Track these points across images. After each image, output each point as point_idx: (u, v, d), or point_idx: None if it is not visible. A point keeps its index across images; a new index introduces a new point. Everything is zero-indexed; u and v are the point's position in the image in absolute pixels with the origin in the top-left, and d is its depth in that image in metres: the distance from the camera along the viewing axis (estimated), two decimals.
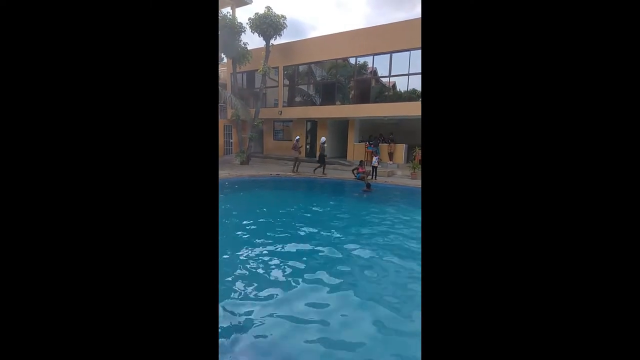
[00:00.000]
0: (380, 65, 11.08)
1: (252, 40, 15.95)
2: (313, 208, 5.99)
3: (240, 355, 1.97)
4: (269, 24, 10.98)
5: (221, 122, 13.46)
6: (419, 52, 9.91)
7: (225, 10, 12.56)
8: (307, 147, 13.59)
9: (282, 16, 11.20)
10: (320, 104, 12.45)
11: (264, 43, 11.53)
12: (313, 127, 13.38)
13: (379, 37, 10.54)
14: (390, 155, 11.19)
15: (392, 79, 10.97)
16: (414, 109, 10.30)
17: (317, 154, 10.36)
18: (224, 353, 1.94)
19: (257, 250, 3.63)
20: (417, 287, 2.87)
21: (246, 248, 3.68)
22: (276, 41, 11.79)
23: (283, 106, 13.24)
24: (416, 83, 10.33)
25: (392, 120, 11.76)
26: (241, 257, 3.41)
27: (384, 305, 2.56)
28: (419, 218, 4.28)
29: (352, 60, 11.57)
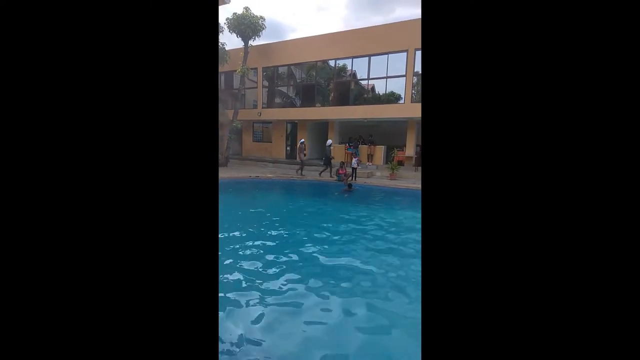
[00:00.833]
0: (359, 67, 11.23)
1: (230, 41, 15.73)
2: (294, 208, 5.92)
3: (240, 355, 1.95)
4: (247, 25, 10.86)
5: None
6: (397, 55, 10.15)
7: None
8: (288, 149, 13.52)
9: (261, 17, 11.11)
10: (300, 106, 12.44)
11: (243, 44, 11.39)
12: (293, 128, 13.34)
13: (358, 40, 10.69)
14: (370, 157, 11.33)
15: (371, 82, 11.14)
16: (393, 111, 10.51)
17: (323, 157, 10.24)
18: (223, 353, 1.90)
19: (249, 252, 3.53)
20: (406, 280, 2.90)
21: (239, 250, 3.57)
22: (255, 42, 11.67)
23: (262, 107, 13.11)
24: (394, 86, 10.56)
25: (372, 122, 11.93)
26: (237, 260, 3.30)
27: (379, 303, 2.55)
28: (401, 217, 4.35)
29: (332, 63, 11.66)
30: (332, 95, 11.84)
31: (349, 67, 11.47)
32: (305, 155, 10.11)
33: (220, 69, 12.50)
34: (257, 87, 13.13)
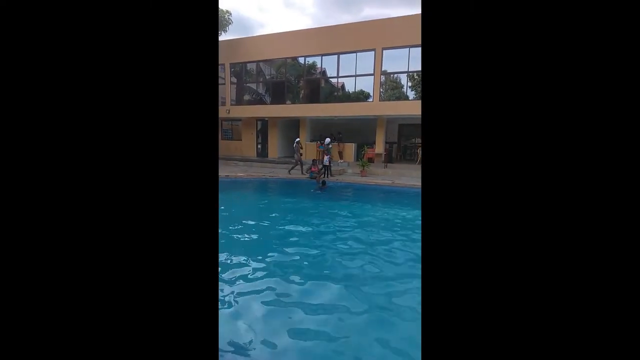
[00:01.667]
0: (328, 65, 11.31)
1: None
2: (269, 207, 5.88)
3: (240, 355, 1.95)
4: None
5: None
6: (365, 53, 10.36)
7: None
8: (259, 147, 13.31)
9: (227, 12, 10.81)
10: (271, 103, 12.29)
11: None
12: (264, 126, 13.14)
13: (327, 38, 10.75)
14: (340, 154, 11.49)
15: (341, 80, 11.28)
16: (363, 109, 10.73)
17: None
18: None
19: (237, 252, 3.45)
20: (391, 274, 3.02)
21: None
22: (222, 37, 11.31)
23: (231, 104, 12.77)
24: (363, 84, 10.78)
25: (342, 120, 12.10)
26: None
27: (377, 301, 2.62)
28: (375, 212, 4.46)
29: (301, 60, 11.62)
30: (303, 92, 11.82)
31: (319, 65, 11.51)
32: (302, 155, 9.98)
33: None
34: (225, 84, 12.75)
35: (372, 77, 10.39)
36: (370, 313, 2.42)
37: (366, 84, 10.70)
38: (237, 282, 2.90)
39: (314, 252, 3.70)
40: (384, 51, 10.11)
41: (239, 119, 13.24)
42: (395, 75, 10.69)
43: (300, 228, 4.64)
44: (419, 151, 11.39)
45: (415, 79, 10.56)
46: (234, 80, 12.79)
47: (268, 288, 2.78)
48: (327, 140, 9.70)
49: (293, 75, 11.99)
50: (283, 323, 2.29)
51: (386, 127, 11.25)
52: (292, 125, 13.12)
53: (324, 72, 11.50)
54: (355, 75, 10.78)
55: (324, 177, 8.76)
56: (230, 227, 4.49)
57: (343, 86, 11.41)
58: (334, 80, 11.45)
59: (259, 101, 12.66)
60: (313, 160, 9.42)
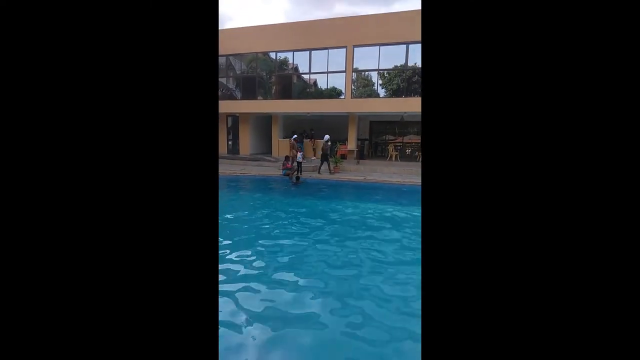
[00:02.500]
0: (300, 61, 11.23)
1: None
2: (245, 204, 5.76)
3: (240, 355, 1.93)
4: None
5: None
6: (336, 51, 10.41)
7: None
8: (229, 143, 12.96)
9: None
10: (241, 99, 11.99)
11: None
12: (234, 122, 12.81)
13: (299, 34, 10.66)
14: (314, 151, 11.51)
15: (313, 76, 11.25)
16: (335, 106, 10.79)
17: (320, 153, 9.76)
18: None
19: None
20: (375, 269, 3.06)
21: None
22: None
23: None
24: (335, 81, 10.83)
25: (315, 116, 12.10)
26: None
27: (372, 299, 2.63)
28: (349, 207, 4.50)
29: (273, 55, 11.44)
30: (275, 88, 11.66)
31: (291, 61, 11.40)
32: (297, 153, 9.75)
33: None
34: None
35: (344, 74, 10.47)
36: (369, 308, 2.45)
37: (338, 81, 10.76)
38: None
39: (296, 248, 3.68)
40: (355, 49, 10.22)
41: None
42: (367, 72, 10.86)
43: (279, 223, 4.60)
44: (390, 148, 11.70)
45: (385, 76, 10.80)
46: None
47: (250, 287, 2.73)
48: (326, 137, 9.57)
49: (264, 71, 11.78)
50: (282, 323, 2.26)
51: (358, 124, 11.41)
52: (264, 122, 12.91)
53: (296, 68, 11.41)
54: (327, 72, 10.80)
55: (297, 173, 8.73)
56: None
57: (315, 82, 11.40)
58: (306, 77, 11.39)
59: (229, 96, 12.30)
60: (286, 157, 9.34)
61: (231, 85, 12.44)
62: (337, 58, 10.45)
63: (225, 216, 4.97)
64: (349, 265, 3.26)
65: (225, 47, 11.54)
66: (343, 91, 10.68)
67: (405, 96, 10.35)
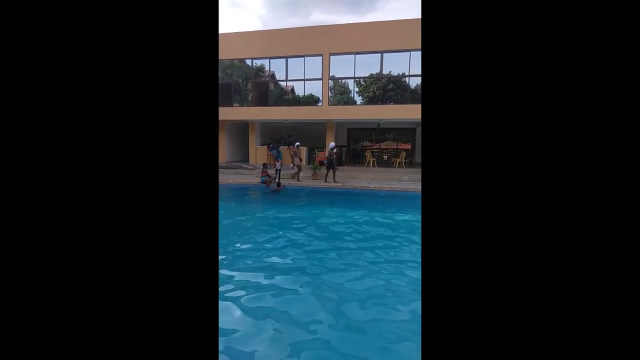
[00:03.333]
0: (277, 68, 11.22)
1: None
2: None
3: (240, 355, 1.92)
4: None
5: None
6: (313, 58, 10.50)
7: None
8: None
9: None
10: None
11: None
12: None
13: (275, 41, 10.66)
14: (292, 159, 11.41)
15: (290, 84, 11.26)
16: (313, 113, 10.84)
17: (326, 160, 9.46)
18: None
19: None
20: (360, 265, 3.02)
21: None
22: None
23: None
24: (312, 88, 10.90)
25: (292, 123, 12.08)
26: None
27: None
28: (329, 212, 4.49)
29: (249, 62, 11.35)
30: (252, 95, 11.55)
31: (267, 68, 11.36)
32: (301, 160, 9.48)
33: None
34: None
35: (321, 81, 10.56)
36: (374, 309, 2.47)
37: (315, 89, 10.84)
38: None
39: (288, 257, 3.59)
40: (332, 57, 10.36)
41: None
42: (343, 80, 11.02)
43: (269, 231, 4.48)
44: (367, 154, 11.88)
45: (361, 84, 11.01)
46: None
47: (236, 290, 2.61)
48: (332, 144, 9.38)
49: (240, 77, 11.65)
50: (288, 326, 2.22)
51: (336, 130, 11.51)
52: (241, 129, 12.72)
53: (272, 75, 11.38)
54: (304, 80, 10.86)
55: (277, 179, 8.63)
56: None
57: (293, 90, 11.41)
58: (283, 84, 11.38)
59: None
60: (264, 164, 9.22)
61: None
62: (314, 66, 10.54)
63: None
64: (340, 269, 3.22)
65: None
66: (320, 98, 10.75)
67: (381, 103, 10.59)
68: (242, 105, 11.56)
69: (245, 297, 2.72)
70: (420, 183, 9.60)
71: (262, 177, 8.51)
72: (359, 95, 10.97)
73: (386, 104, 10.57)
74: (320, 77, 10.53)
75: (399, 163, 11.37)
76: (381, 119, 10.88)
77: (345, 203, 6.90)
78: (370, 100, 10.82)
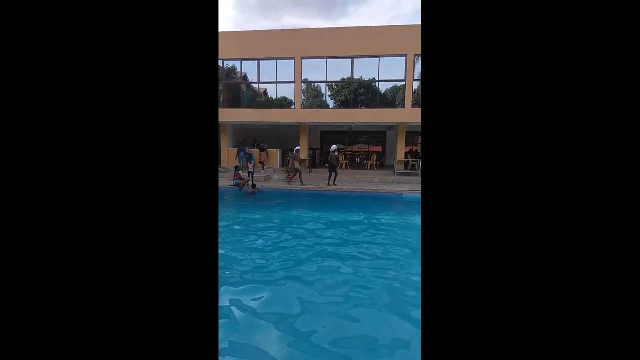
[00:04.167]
0: (249, 70, 11.11)
1: None
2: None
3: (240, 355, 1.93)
4: None
5: None
6: (285, 61, 10.54)
7: None
8: None
9: None
10: None
11: None
12: None
13: (247, 43, 10.56)
14: (261, 164, 11.00)
15: (263, 86, 11.20)
16: (286, 116, 10.85)
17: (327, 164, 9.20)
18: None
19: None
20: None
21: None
22: None
23: None
24: (285, 91, 10.92)
25: (266, 126, 12.00)
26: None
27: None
28: (307, 213, 4.52)
29: (220, 63, 11.14)
30: (224, 96, 11.32)
31: (239, 69, 11.22)
32: (300, 164, 9.19)
33: None
34: None
35: (293, 84, 10.62)
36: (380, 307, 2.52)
37: (288, 91, 10.87)
38: None
39: (273, 254, 3.58)
40: (304, 60, 10.46)
41: None
42: (316, 84, 11.16)
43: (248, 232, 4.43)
44: (340, 157, 12.08)
45: (334, 88, 11.21)
46: None
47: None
48: (334, 147, 9.23)
49: None
50: (278, 323, 2.24)
51: (309, 133, 11.60)
52: None
53: (244, 77, 11.25)
54: (277, 82, 10.85)
55: (251, 181, 8.55)
56: None
57: (266, 92, 11.36)
58: (255, 86, 11.29)
59: None
60: (236, 167, 9.08)
61: None
62: (287, 69, 10.58)
63: None
64: (318, 271, 3.28)
65: None
66: (294, 101, 10.80)
67: (353, 107, 10.85)
68: None
69: (234, 298, 2.71)
70: (391, 184, 9.86)
71: (234, 180, 8.39)
72: (331, 99, 11.15)
73: (358, 107, 10.84)
74: (293, 80, 10.58)
75: (370, 165, 11.69)
76: (353, 123, 11.14)
77: (320, 205, 6.99)
78: (343, 104, 11.04)
